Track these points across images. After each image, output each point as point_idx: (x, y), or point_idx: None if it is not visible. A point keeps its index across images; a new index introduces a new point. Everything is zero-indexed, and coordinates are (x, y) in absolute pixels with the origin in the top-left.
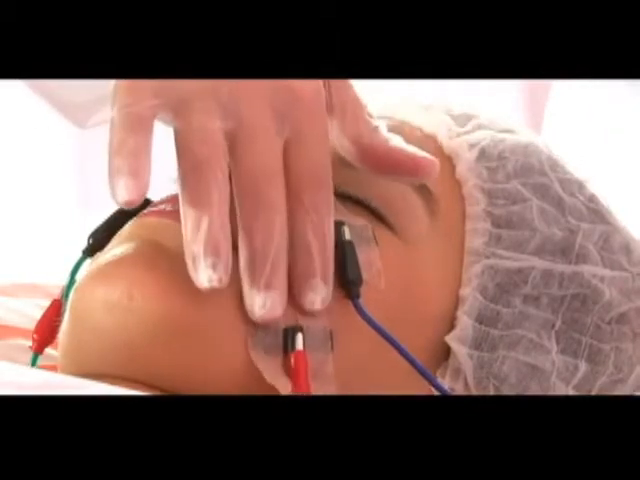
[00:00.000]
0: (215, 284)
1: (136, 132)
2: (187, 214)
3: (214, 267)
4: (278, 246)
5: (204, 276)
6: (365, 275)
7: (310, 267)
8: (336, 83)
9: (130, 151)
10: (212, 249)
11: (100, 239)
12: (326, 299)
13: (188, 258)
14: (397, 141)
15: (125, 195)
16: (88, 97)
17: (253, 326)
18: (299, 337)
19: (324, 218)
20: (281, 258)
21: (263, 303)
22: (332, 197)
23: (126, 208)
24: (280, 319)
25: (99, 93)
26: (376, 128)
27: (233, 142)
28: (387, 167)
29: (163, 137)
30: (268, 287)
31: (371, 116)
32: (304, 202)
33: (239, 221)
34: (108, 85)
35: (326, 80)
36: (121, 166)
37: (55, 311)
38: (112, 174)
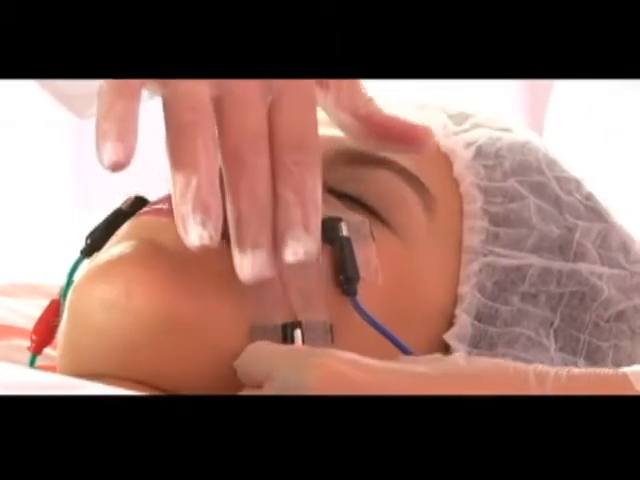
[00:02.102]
0: (206, 241)
1: (124, 97)
2: (176, 177)
3: (203, 224)
4: (262, 207)
5: (194, 234)
6: (363, 272)
7: (289, 218)
8: None
9: (117, 116)
10: (201, 207)
11: (98, 239)
12: (311, 252)
13: (178, 220)
14: (392, 111)
15: (112, 156)
16: (87, 88)
17: (252, 323)
18: (297, 333)
19: (304, 173)
20: (266, 218)
21: (251, 263)
22: (317, 157)
23: (113, 172)
24: (269, 277)
25: (98, 84)
26: (371, 99)
27: (219, 107)
28: (385, 136)
29: (163, 137)
30: (254, 246)
31: (364, 88)
32: (285, 162)
33: (225, 185)
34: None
35: None
36: (108, 130)
37: (53, 311)
38: (99, 138)
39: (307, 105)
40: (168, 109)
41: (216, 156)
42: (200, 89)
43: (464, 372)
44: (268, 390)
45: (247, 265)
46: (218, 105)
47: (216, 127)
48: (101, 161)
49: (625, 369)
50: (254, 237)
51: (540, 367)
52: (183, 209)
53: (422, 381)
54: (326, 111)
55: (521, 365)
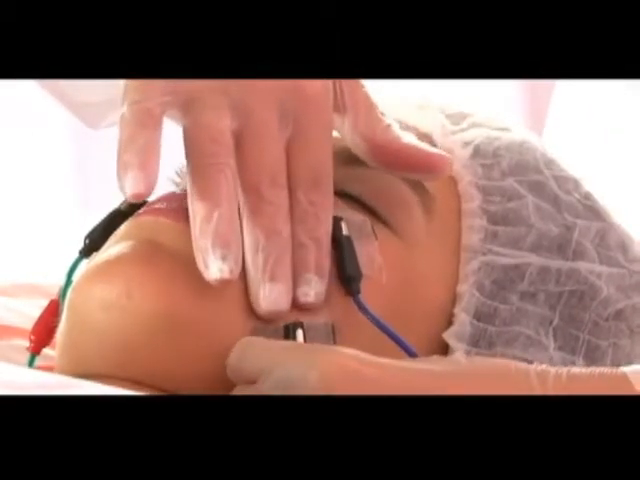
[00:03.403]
0: (226, 275)
1: (146, 128)
2: (196, 209)
3: (224, 258)
4: (281, 242)
5: (214, 267)
6: (366, 270)
7: (304, 262)
8: (348, 82)
9: (140, 147)
10: (221, 242)
11: (96, 239)
12: (320, 294)
13: (197, 252)
14: (409, 138)
15: (134, 187)
16: (101, 98)
17: (253, 323)
18: (299, 333)
19: (319, 214)
20: (285, 252)
21: (268, 295)
22: (331, 194)
23: (135, 202)
24: (285, 313)
25: (112, 93)
26: (388, 126)
27: (239, 140)
28: (400, 164)
29: (163, 140)
30: (273, 279)
31: (383, 114)
32: (302, 200)
33: (244, 219)
34: (120, 86)
35: (337, 80)
36: (130, 161)
37: (52, 312)
38: (121, 169)
39: (325, 140)
40: (189, 139)
41: (236, 190)
42: (221, 120)
43: (466, 371)
44: (261, 386)
45: (264, 297)
46: (238, 138)
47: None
48: (122, 190)
49: (624, 369)
50: (272, 270)
51: (541, 367)
52: (203, 243)
53: (428, 378)
54: (342, 135)
55: (522, 364)
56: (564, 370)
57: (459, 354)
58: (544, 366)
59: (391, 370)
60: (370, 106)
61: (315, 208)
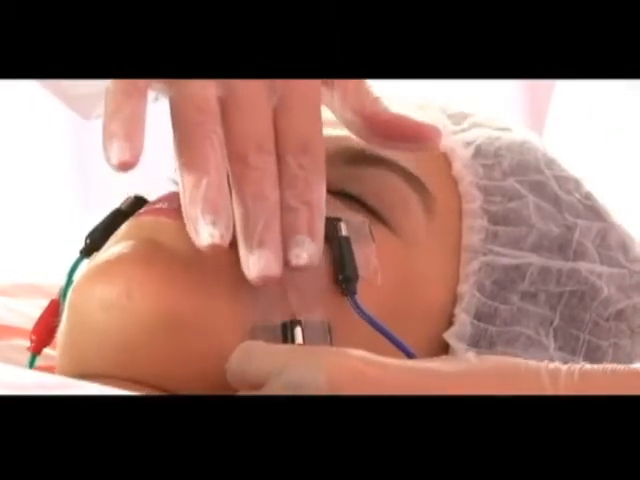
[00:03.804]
0: (217, 240)
1: (130, 98)
2: (185, 179)
3: (214, 224)
4: (269, 208)
5: (205, 233)
6: (362, 271)
7: (294, 225)
8: None
9: (125, 117)
10: (210, 207)
11: (97, 239)
12: (313, 255)
13: (188, 221)
14: (399, 109)
15: (120, 156)
16: (93, 89)
17: (252, 322)
18: (298, 331)
19: (309, 178)
20: (273, 218)
21: (257, 261)
22: (322, 160)
23: (120, 172)
24: (277, 280)
25: (103, 85)
26: (377, 98)
27: (225, 109)
28: (391, 135)
29: (163, 139)
30: (261, 245)
31: (371, 87)
32: (291, 165)
33: (232, 186)
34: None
35: None
36: (115, 130)
37: (52, 312)
38: (107, 138)
39: (312, 107)
40: (175, 110)
41: (224, 157)
42: (206, 90)
43: (476, 370)
44: (269, 390)
45: (253, 264)
46: (224, 106)
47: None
48: (109, 161)
49: (638, 365)
50: (261, 236)
51: (552, 365)
52: (192, 211)
53: (437, 378)
54: (332, 110)
55: (533, 363)
56: (576, 368)
57: (470, 353)
58: (556, 364)
59: (400, 371)
60: (358, 80)
61: (305, 172)
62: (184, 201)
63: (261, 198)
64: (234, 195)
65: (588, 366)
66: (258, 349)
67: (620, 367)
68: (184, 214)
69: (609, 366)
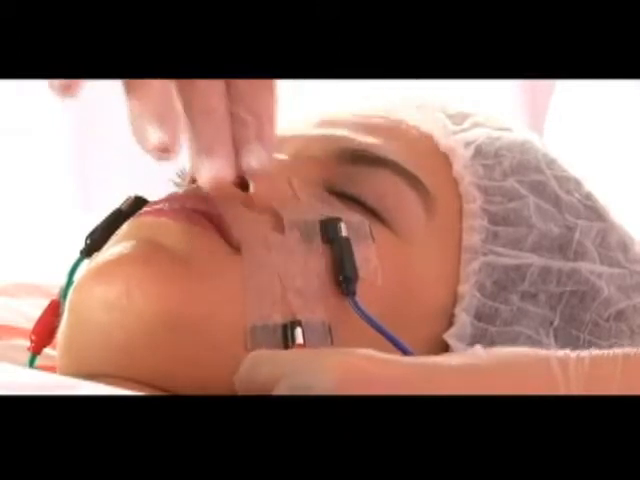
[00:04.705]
0: (165, 140)
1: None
2: (131, 102)
3: (161, 127)
4: (216, 119)
5: (153, 137)
6: (362, 272)
7: (244, 136)
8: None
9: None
10: (157, 115)
11: (98, 239)
12: (264, 161)
13: (136, 134)
14: None
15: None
16: None
17: (252, 322)
18: (298, 331)
19: (259, 92)
20: (222, 129)
21: (208, 167)
22: (273, 86)
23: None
24: (229, 181)
25: None
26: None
27: None
28: None
29: None
30: (210, 153)
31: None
32: (238, 82)
33: (181, 102)
34: None
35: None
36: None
37: (53, 312)
38: (137, 127)
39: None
40: None
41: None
42: None
43: (486, 363)
44: (278, 393)
45: (204, 170)
46: None
47: None
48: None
49: None
50: (209, 145)
51: (562, 352)
52: (139, 122)
53: (447, 373)
54: None
55: (542, 352)
56: (586, 354)
57: (477, 346)
58: (565, 351)
59: (409, 368)
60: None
61: (254, 87)
62: (131, 118)
63: (209, 110)
64: (184, 111)
65: (598, 352)
66: (266, 358)
67: (632, 351)
68: (132, 130)
69: (619, 351)
